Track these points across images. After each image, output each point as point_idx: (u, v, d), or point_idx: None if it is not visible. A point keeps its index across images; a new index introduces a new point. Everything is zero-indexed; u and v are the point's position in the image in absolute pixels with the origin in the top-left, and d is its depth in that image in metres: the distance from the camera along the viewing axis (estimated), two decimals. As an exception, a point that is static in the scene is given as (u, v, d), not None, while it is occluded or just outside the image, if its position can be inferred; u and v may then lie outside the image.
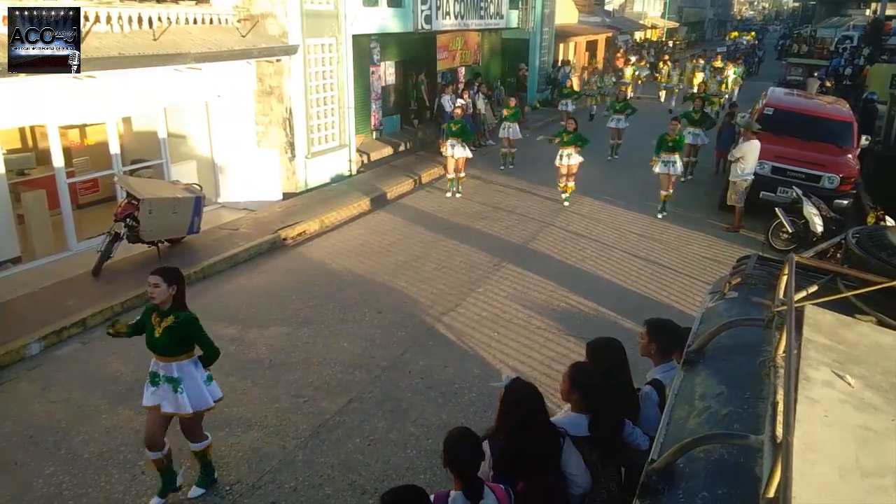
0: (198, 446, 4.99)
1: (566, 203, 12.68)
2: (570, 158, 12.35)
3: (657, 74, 28.13)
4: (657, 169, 12.05)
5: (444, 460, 3.17)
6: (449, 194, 13.25)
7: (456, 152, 12.86)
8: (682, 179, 13.66)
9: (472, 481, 3.11)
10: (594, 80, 24.09)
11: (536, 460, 3.32)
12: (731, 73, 25.91)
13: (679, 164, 12.10)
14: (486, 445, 3.42)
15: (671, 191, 12.22)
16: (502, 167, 15.62)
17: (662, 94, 26.46)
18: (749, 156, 11.26)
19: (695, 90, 22.13)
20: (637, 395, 3.78)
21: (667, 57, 33.31)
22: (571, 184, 12.66)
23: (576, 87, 22.70)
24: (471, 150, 13.66)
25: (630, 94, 27.46)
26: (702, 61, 28.16)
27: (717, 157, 15.49)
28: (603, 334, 7.53)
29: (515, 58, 23.53)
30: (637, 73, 27.50)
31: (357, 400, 6.39)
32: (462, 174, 13.23)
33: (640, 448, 3.53)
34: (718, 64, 28.10)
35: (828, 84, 24.00)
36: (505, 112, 15.81)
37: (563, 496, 3.38)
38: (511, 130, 15.43)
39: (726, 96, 23.53)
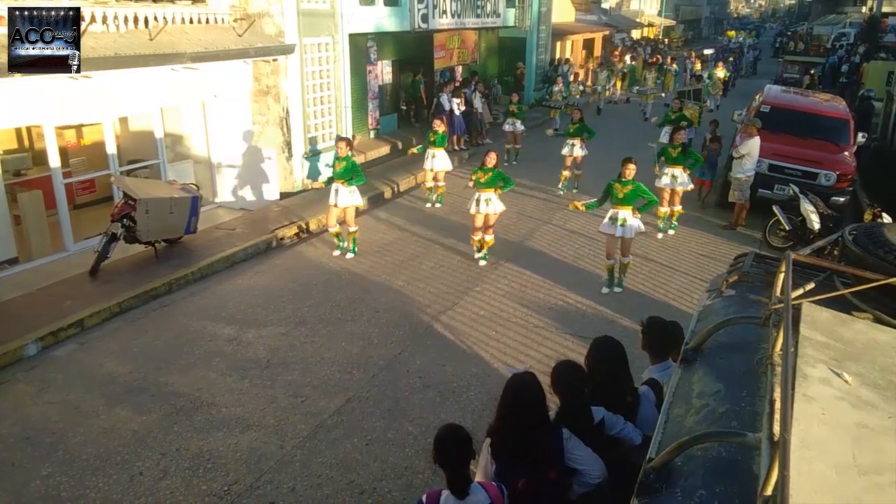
0: None
1: (482, 262, 9.68)
2: (487, 205, 9.32)
3: (640, 79, 25.24)
4: (602, 228, 8.77)
5: (433, 457, 3.19)
6: (337, 252, 9.99)
7: (340, 200, 9.47)
8: (660, 234, 11.12)
9: (458, 477, 3.11)
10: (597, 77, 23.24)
11: (537, 455, 3.32)
12: (707, 78, 23.20)
13: (631, 225, 8.48)
14: (486, 445, 3.42)
15: (629, 258, 8.89)
16: (429, 204, 12.62)
17: (643, 99, 23.33)
18: (753, 152, 11.30)
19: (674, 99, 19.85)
20: (636, 394, 3.79)
21: (657, 59, 30.92)
22: (489, 238, 9.57)
23: (576, 85, 22.30)
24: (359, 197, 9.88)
25: (618, 91, 25.78)
26: (675, 65, 25.81)
27: (698, 185, 12.53)
28: (600, 332, 7.54)
29: (513, 56, 23.53)
30: (609, 78, 25.25)
31: (355, 399, 6.39)
32: (354, 228, 9.78)
33: (632, 442, 3.53)
34: (697, 67, 25.10)
35: (811, 80, 24.27)
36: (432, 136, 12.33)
37: (564, 494, 3.37)
38: (438, 161, 12.23)
39: (707, 102, 21.24)
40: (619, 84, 26.17)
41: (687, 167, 10.96)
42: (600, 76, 24.19)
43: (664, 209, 11.08)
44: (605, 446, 3.48)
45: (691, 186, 11.25)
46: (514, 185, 9.81)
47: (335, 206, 9.53)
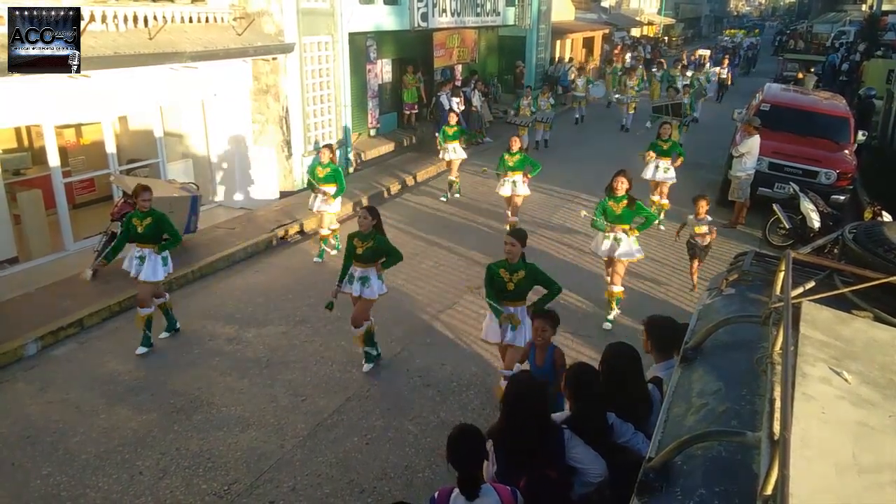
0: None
1: (367, 367, 6.88)
2: (363, 286, 6.60)
3: (623, 86, 21.68)
4: (484, 335, 6.15)
5: (446, 456, 3.18)
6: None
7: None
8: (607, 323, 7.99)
9: (468, 477, 3.10)
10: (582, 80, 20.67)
11: (537, 454, 3.31)
12: (691, 84, 19.95)
13: (524, 326, 5.79)
14: (489, 445, 3.41)
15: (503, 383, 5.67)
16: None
17: (624, 109, 20.66)
18: (753, 151, 11.30)
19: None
20: (649, 401, 3.74)
21: (641, 59, 28.93)
22: (359, 330, 6.74)
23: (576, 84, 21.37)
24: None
25: (587, 94, 21.65)
26: (659, 71, 23.20)
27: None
28: (600, 331, 7.57)
29: (512, 55, 23.53)
30: (590, 84, 22.09)
31: (355, 398, 6.39)
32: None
33: (639, 453, 3.49)
34: (675, 72, 21.75)
35: (800, 76, 24.19)
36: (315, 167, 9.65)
37: (565, 493, 3.37)
38: (329, 202, 9.55)
39: (695, 113, 18.13)
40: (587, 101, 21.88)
41: (634, 228, 7.88)
42: (579, 83, 21.27)
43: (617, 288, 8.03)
44: (611, 451, 3.46)
45: (639, 256, 7.98)
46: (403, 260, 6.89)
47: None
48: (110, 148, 10.04)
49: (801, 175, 11.67)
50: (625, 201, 7.68)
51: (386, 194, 13.28)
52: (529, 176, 10.39)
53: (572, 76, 22.48)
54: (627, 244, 7.72)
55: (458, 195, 12.92)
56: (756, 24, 74.55)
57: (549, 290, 5.78)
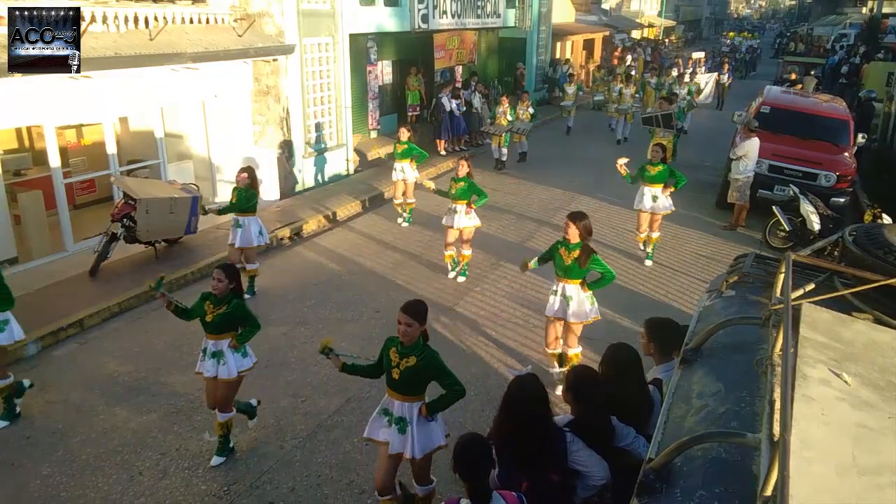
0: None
1: (217, 460, 5.48)
2: (219, 363, 5.39)
3: (610, 93, 20.35)
4: (371, 432, 4.84)
5: (453, 467, 3.15)
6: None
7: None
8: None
9: (479, 489, 3.07)
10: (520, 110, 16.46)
11: (539, 458, 3.31)
12: (686, 93, 19.11)
13: (415, 431, 4.58)
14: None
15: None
16: None
17: (619, 118, 19.11)
18: (751, 153, 11.31)
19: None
20: (650, 402, 3.73)
21: (630, 62, 28.61)
22: (227, 416, 5.49)
23: (570, 91, 20.58)
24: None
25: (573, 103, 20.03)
26: (653, 79, 22.39)
27: None
28: (600, 333, 7.57)
29: (513, 56, 23.55)
30: (579, 92, 20.92)
31: (355, 399, 6.39)
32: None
33: (640, 457, 3.49)
34: (668, 79, 21.51)
35: (793, 77, 24.30)
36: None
37: (567, 496, 3.36)
38: (242, 235, 8.35)
39: (683, 125, 16.85)
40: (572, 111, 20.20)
41: (588, 286, 6.43)
42: (569, 90, 19.90)
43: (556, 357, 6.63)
44: (612, 454, 3.46)
45: (594, 318, 6.55)
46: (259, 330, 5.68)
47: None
48: (111, 149, 10.04)
49: (800, 177, 11.68)
50: (577, 251, 6.27)
51: (385, 196, 13.28)
52: (474, 206, 8.76)
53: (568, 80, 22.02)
54: (579, 303, 6.32)
55: (406, 224, 11.44)
56: (756, 26, 74.62)
57: (448, 392, 4.43)
